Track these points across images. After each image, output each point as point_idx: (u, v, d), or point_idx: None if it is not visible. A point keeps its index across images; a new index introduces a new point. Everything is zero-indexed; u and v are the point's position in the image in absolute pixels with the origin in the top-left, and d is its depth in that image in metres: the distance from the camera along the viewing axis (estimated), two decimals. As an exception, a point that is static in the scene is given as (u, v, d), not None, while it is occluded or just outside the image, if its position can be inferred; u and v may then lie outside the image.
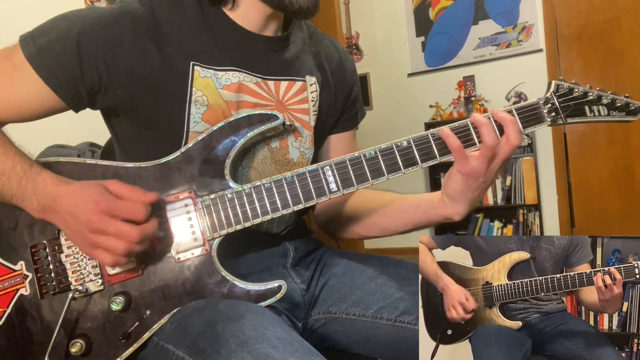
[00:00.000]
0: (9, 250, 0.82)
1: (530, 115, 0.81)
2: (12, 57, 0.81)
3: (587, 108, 0.83)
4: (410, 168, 0.81)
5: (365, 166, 0.80)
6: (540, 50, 3.68)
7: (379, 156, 0.80)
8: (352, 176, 0.80)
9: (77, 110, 0.87)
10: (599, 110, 0.83)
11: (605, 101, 0.82)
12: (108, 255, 0.72)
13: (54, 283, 0.80)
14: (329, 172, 0.80)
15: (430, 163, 0.81)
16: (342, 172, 0.80)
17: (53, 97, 0.82)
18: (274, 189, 0.80)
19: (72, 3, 1.79)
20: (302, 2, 0.85)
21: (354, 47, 4.30)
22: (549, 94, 0.82)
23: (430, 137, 0.80)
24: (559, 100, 0.82)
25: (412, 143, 0.80)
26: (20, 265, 0.81)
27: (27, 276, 0.81)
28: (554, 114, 0.82)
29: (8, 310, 0.80)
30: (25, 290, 0.80)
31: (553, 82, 0.83)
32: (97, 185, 0.74)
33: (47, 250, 0.81)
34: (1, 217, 0.82)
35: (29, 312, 0.80)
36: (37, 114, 0.86)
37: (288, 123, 0.90)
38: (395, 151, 0.80)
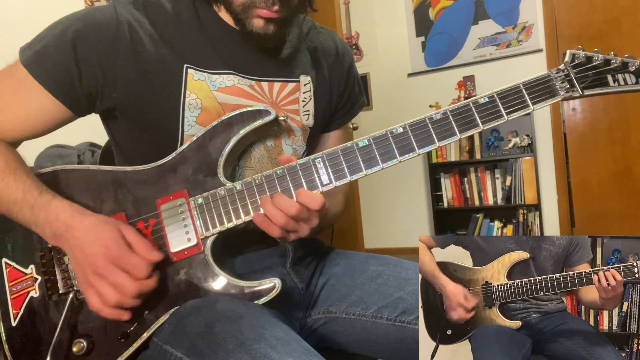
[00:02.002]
0: (21, 255, 0.84)
1: (539, 90, 0.76)
2: (16, 73, 0.81)
3: (610, 77, 0.76)
4: (406, 155, 0.77)
5: (359, 156, 0.77)
6: (540, 50, 3.67)
7: (373, 144, 0.77)
8: (345, 167, 0.77)
9: (83, 115, 0.87)
10: (624, 79, 0.76)
11: (632, 68, 0.75)
12: (97, 299, 0.73)
13: (58, 285, 0.81)
14: (320, 164, 0.78)
15: (428, 148, 0.77)
16: (334, 163, 0.78)
17: (58, 106, 0.82)
18: (265, 184, 0.79)
19: (73, 2, 1.79)
20: (257, 27, 0.83)
21: (354, 47, 4.30)
22: (562, 65, 0.78)
23: (428, 121, 0.77)
24: (575, 71, 0.77)
25: (407, 129, 0.77)
26: (31, 269, 0.83)
27: (37, 279, 0.82)
28: (567, 85, 0.76)
29: (21, 312, 0.82)
30: (35, 293, 0.82)
31: (568, 52, 0.77)
32: (114, 229, 0.74)
33: (52, 253, 0.82)
34: (15, 223, 0.83)
35: (37, 313, 0.82)
36: (48, 126, 0.85)
37: (282, 118, 0.89)
38: (390, 138, 0.77)
